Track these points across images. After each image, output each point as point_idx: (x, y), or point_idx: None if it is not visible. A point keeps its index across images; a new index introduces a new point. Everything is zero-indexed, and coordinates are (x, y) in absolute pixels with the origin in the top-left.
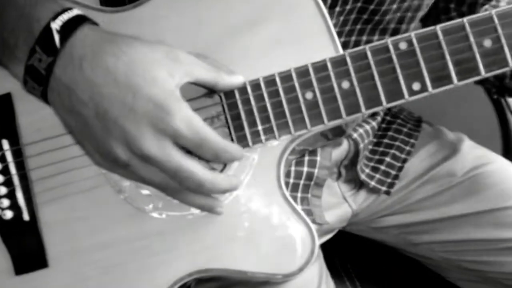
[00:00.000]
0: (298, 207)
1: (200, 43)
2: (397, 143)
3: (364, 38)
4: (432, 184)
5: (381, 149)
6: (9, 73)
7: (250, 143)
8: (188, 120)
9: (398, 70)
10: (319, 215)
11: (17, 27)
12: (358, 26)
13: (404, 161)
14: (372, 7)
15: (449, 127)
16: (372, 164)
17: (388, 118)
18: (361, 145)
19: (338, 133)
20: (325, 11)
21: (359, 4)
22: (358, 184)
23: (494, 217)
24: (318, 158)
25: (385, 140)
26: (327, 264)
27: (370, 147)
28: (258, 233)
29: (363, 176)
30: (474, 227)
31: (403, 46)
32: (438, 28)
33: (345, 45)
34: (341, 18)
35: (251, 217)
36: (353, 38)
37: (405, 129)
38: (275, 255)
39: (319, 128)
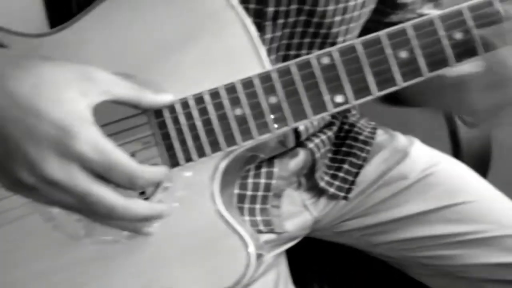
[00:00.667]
0: (235, 222)
1: (129, 63)
2: (354, 150)
3: (316, 51)
4: (386, 188)
5: (339, 157)
6: None
7: (182, 162)
8: (95, 142)
9: (321, 84)
10: (279, 224)
11: None
12: (307, 40)
13: (361, 167)
14: (315, 20)
15: (403, 131)
16: (331, 171)
17: (345, 127)
18: (317, 155)
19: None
20: (252, 28)
21: (302, 17)
22: (318, 192)
23: (443, 215)
24: (276, 169)
25: (343, 148)
26: (295, 271)
27: (330, 155)
28: (191, 253)
29: (322, 184)
30: (426, 225)
31: (325, 60)
32: (358, 41)
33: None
34: (287, 30)
35: (184, 237)
36: (304, 51)
37: (361, 137)
38: (210, 272)
39: (250, 143)
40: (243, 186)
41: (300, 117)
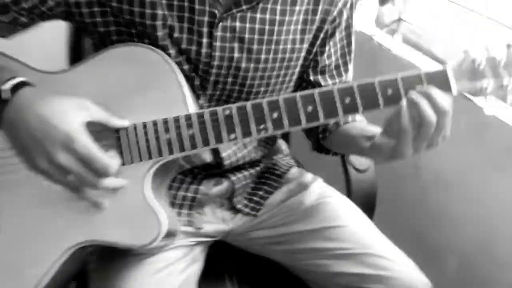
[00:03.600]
0: (156, 208)
1: (105, 97)
2: (269, 181)
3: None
4: (287, 209)
5: (257, 186)
6: None
7: (127, 162)
8: (85, 144)
9: (222, 126)
10: (198, 222)
11: None
12: (235, 95)
13: (271, 193)
14: (245, 89)
15: (314, 171)
16: (249, 196)
17: (269, 165)
18: (237, 186)
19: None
20: (183, 81)
21: (235, 86)
22: (235, 211)
23: (323, 233)
24: (202, 188)
25: (262, 180)
26: (214, 266)
27: (252, 185)
28: (125, 219)
29: (239, 206)
30: (310, 240)
31: (226, 112)
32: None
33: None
34: (222, 91)
35: (121, 208)
36: (232, 101)
37: (277, 172)
38: (133, 232)
39: (173, 156)
40: (175, 196)
41: (206, 144)
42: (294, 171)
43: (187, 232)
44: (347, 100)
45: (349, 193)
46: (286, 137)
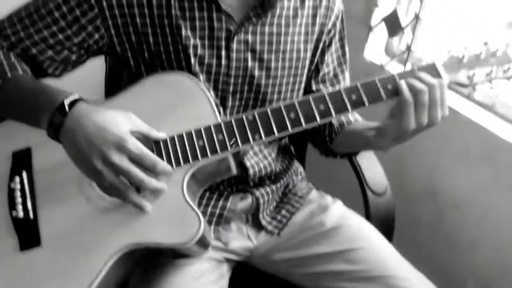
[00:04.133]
0: (195, 207)
1: (144, 116)
2: (291, 202)
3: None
4: (309, 230)
5: (280, 204)
6: (27, 133)
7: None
8: (135, 144)
9: (248, 130)
10: (225, 237)
11: (46, 104)
12: (252, 103)
13: (293, 213)
14: (260, 96)
15: (333, 195)
16: (272, 214)
17: (290, 186)
18: (261, 201)
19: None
20: (212, 99)
21: (250, 95)
22: (259, 227)
23: (344, 256)
24: (229, 204)
25: (284, 199)
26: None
27: (274, 203)
28: (166, 218)
29: (264, 222)
30: (331, 262)
31: (250, 117)
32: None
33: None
34: (241, 101)
35: (163, 208)
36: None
37: (299, 193)
38: (174, 231)
39: (206, 159)
40: (203, 214)
41: (235, 145)
42: (314, 193)
43: (216, 246)
44: (354, 96)
45: (367, 216)
46: (302, 163)
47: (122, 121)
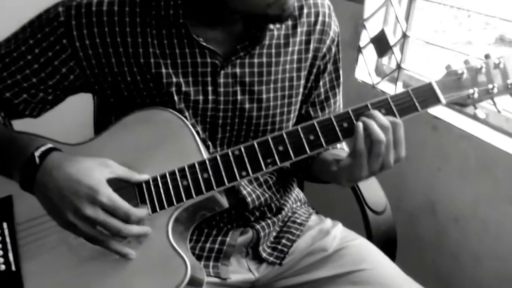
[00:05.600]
0: (181, 252)
1: (126, 156)
2: (291, 230)
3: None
4: (311, 256)
5: (280, 234)
6: (9, 181)
7: (150, 212)
8: (108, 195)
9: (234, 164)
10: (225, 273)
11: (17, 156)
12: (243, 136)
13: (294, 241)
14: (252, 128)
15: (331, 217)
16: (272, 245)
17: (289, 213)
18: (262, 234)
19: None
20: (196, 136)
21: (241, 126)
22: (260, 260)
23: (348, 278)
24: (228, 239)
25: (284, 228)
26: None
27: (274, 234)
28: (150, 267)
29: (264, 255)
30: (337, 285)
31: (236, 152)
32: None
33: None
34: (231, 133)
35: (146, 256)
36: (241, 141)
37: (298, 220)
38: (160, 280)
39: (191, 201)
40: (202, 249)
41: (221, 184)
42: (314, 218)
43: (215, 282)
44: (345, 124)
45: (369, 235)
46: (301, 186)
47: (97, 170)
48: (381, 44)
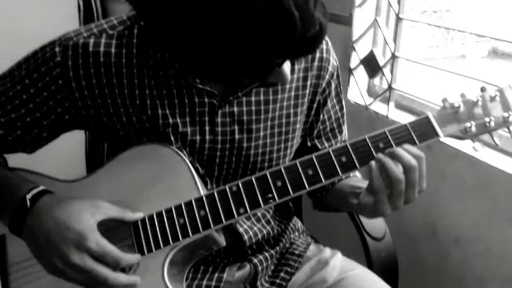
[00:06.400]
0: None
1: (120, 194)
2: (289, 262)
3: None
4: None
5: (279, 267)
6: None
7: (146, 252)
8: (96, 241)
9: (232, 202)
10: None
11: (8, 198)
12: (240, 173)
13: (293, 274)
14: (250, 166)
15: (331, 245)
16: (270, 279)
17: (287, 245)
18: (260, 268)
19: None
20: (194, 172)
21: (239, 164)
22: None
23: None
24: (225, 275)
25: (282, 261)
26: None
27: (273, 267)
28: None
29: None
30: None
31: (234, 188)
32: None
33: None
34: (224, 175)
35: None
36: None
37: (296, 252)
38: None
39: (188, 239)
40: (198, 287)
41: (218, 222)
42: (312, 248)
43: None
44: (344, 159)
45: (369, 263)
46: (299, 214)
47: (87, 213)
48: (371, 65)
